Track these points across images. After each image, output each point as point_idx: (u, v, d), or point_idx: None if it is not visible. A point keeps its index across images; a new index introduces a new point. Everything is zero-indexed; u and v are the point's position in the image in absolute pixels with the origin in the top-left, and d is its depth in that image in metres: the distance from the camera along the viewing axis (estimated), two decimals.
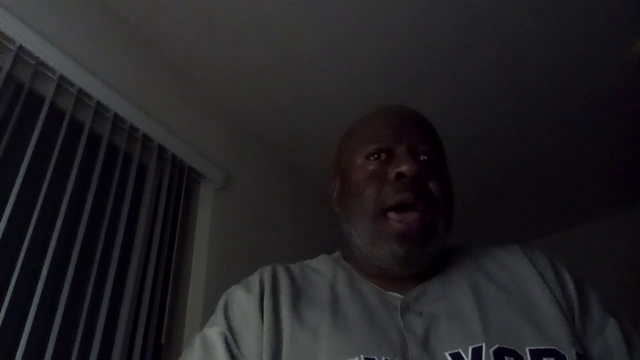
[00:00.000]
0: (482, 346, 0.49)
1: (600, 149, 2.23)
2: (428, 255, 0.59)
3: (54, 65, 1.28)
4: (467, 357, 0.49)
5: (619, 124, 2.08)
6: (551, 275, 0.59)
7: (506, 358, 0.49)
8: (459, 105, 1.99)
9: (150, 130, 1.52)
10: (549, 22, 1.65)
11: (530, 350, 0.49)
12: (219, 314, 0.60)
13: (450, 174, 0.65)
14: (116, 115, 1.43)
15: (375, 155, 0.61)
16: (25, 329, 1.01)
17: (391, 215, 0.57)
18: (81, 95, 1.35)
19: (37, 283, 1.07)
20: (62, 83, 1.31)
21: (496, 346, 0.49)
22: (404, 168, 0.57)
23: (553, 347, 0.49)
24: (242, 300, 0.60)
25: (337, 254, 0.71)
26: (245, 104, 1.97)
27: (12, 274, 1.02)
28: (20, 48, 1.22)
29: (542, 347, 0.49)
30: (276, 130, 2.11)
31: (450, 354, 0.50)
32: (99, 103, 1.38)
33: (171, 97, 1.71)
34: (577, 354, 0.49)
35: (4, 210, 1.05)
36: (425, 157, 0.61)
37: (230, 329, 0.57)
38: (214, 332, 0.57)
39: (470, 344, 0.50)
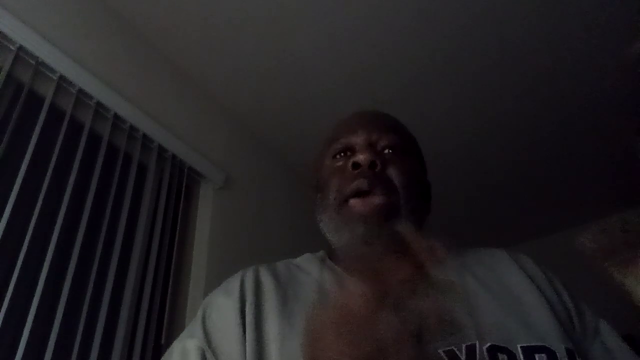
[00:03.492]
0: (475, 344, 0.50)
1: (600, 149, 2.23)
2: (389, 234, 0.57)
3: (54, 65, 1.28)
4: (461, 355, 0.49)
5: (619, 124, 2.08)
6: (541, 277, 0.61)
7: (499, 355, 0.49)
8: (459, 105, 1.99)
9: (150, 130, 1.52)
10: (549, 22, 1.65)
11: (521, 347, 0.50)
12: (197, 324, 0.58)
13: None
14: (116, 115, 1.43)
15: (342, 154, 0.65)
16: (25, 329, 1.01)
17: (352, 201, 0.60)
18: (81, 95, 1.35)
19: (37, 283, 1.07)
20: (62, 83, 1.31)
21: (489, 344, 0.50)
22: (358, 157, 0.61)
23: (543, 344, 0.50)
24: (223, 307, 0.58)
25: (321, 253, 0.71)
26: (245, 104, 1.96)
27: (12, 274, 1.02)
28: (20, 48, 1.22)
29: (533, 345, 0.50)
30: (276, 130, 2.10)
31: (444, 352, 0.50)
32: (99, 103, 1.38)
33: (171, 97, 1.71)
34: (567, 349, 0.50)
35: (4, 210, 1.05)
36: (388, 149, 0.65)
37: (208, 342, 0.55)
38: (192, 345, 0.55)
39: (463, 341, 0.50)
